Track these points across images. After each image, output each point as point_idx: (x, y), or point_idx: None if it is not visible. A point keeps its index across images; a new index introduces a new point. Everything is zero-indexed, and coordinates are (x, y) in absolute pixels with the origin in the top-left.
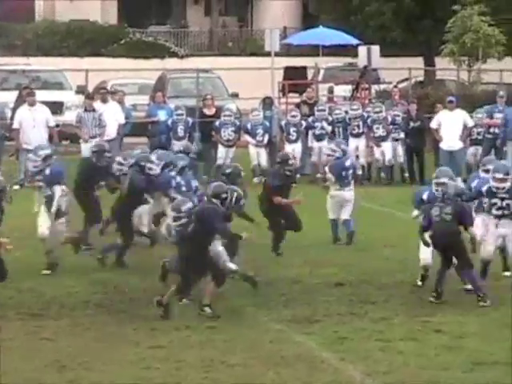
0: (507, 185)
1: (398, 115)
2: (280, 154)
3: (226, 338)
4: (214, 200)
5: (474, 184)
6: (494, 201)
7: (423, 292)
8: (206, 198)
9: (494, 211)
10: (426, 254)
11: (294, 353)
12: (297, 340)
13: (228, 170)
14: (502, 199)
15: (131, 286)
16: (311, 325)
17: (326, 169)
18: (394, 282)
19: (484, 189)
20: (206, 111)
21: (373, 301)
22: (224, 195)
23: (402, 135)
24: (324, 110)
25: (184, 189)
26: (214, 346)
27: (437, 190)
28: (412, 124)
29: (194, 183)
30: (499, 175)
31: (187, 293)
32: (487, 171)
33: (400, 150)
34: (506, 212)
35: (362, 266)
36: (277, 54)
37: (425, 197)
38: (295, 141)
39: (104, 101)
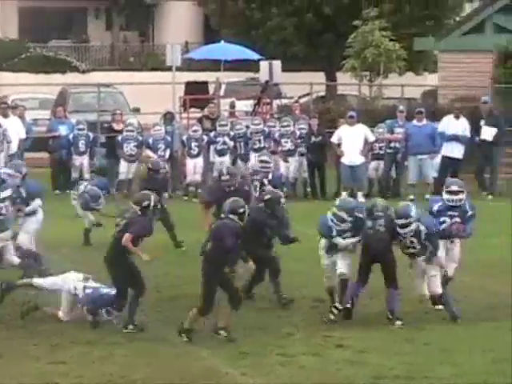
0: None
1: (304, 129)
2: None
3: (127, 353)
4: (231, 216)
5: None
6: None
7: (324, 307)
8: (223, 215)
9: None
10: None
11: (196, 368)
12: (200, 355)
13: (267, 196)
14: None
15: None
16: (214, 340)
17: (266, 181)
18: (298, 297)
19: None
20: (115, 126)
21: (277, 315)
22: (241, 210)
23: (305, 150)
24: (226, 125)
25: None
26: (115, 361)
27: (448, 200)
28: (313, 139)
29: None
30: (454, 187)
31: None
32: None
33: (305, 164)
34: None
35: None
36: (178, 69)
37: (436, 208)
38: (197, 155)
39: (5, 115)
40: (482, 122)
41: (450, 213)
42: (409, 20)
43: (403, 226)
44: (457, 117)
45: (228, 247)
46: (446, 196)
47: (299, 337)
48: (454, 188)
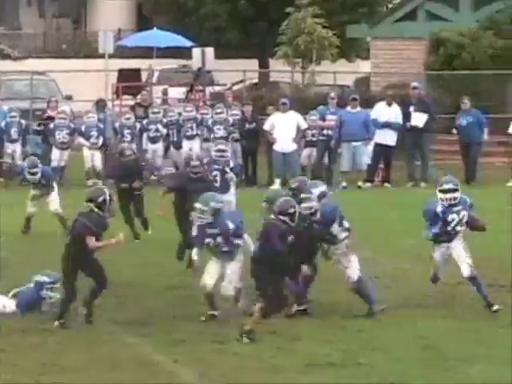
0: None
1: (237, 115)
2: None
3: (59, 340)
4: (281, 217)
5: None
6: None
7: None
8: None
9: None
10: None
11: (128, 355)
12: (131, 342)
13: (294, 185)
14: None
15: None
16: (146, 327)
17: (227, 169)
18: None
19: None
20: (50, 113)
21: None
22: (291, 210)
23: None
24: (158, 113)
25: None
26: (48, 348)
27: (442, 200)
28: (247, 126)
29: None
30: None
31: None
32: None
33: (239, 151)
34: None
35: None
36: (111, 56)
37: (439, 209)
38: (129, 143)
39: None
40: (412, 108)
41: (454, 209)
42: (341, 7)
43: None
44: (389, 104)
45: (274, 249)
46: (439, 195)
47: (234, 323)
48: (447, 186)
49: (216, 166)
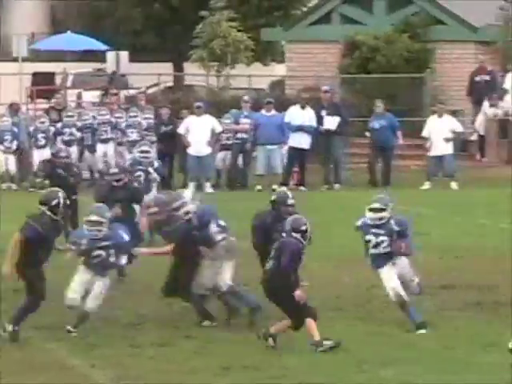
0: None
1: (150, 119)
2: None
3: None
4: (294, 234)
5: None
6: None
7: (174, 300)
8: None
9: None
10: None
11: (43, 360)
12: (46, 347)
13: (273, 197)
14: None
15: None
16: (60, 332)
17: (151, 170)
18: (147, 288)
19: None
20: None
21: (126, 306)
22: (304, 227)
23: (154, 138)
24: (72, 116)
25: None
26: None
27: (369, 218)
28: (163, 128)
29: None
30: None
31: None
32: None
33: (154, 153)
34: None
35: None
36: (25, 60)
37: (358, 223)
38: (44, 147)
39: None
40: (324, 112)
41: (373, 230)
42: (256, 11)
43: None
44: (303, 107)
45: (284, 265)
46: (367, 213)
47: (147, 327)
48: (375, 206)
49: (140, 167)
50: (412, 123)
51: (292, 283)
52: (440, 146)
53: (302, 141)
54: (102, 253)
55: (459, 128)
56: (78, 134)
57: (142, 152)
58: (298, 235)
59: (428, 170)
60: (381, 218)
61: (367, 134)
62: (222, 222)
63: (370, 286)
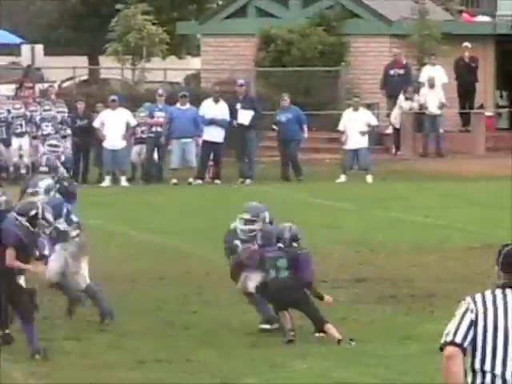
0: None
1: (63, 112)
2: None
3: None
4: (293, 244)
5: None
6: None
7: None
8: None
9: None
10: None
11: None
12: None
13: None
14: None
15: None
16: None
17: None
18: None
19: None
20: None
21: (39, 300)
22: (300, 235)
23: (69, 132)
24: None
25: None
26: None
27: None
28: (78, 122)
29: None
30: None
31: None
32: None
33: (69, 147)
34: None
35: None
36: None
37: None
38: None
39: None
40: (239, 106)
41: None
42: (171, 4)
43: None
44: (216, 100)
45: (309, 278)
46: (238, 222)
47: (60, 322)
48: (246, 216)
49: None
50: (327, 116)
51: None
52: (355, 140)
53: (215, 134)
54: None
55: (374, 121)
56: None
57: (51, 146)
58: (296, 243)
59: (343, 164)
60: (251, 231)
61: (274, 127)
62: (75, 218)
63: None
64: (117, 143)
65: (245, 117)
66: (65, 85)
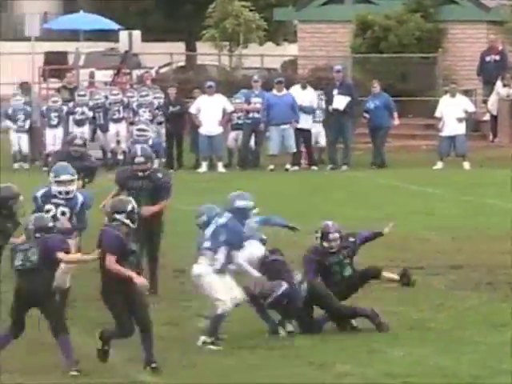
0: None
1: (159, 98)
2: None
3: None
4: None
5: None
6: None
7: (184, 277)
8: None
9: None
10: None
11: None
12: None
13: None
14: None
15: None
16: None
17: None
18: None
19: None
20: None
21: None
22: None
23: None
24: (84, 95)
25: None
26: None
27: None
28: (171, 108)
29: None
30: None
31: None
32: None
33: (163, 134)
34: None
35: None
36: (37, 39)
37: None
38: (56, 126)
39: None
40: (335, 92)
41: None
42: None
43: None
44: (303, 87)
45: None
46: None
47: (159, 307)
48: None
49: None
50: (424, 103)
51: None
52: (452, 126)
53: (304, 121)
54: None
55: (472, 108)
56: (90, 114)
57: (139, 130)
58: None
59: (440, 150)
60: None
61: (365, 115)
62: None
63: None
64: (213, 129)
65: (340, 102)
66: (162, 71)
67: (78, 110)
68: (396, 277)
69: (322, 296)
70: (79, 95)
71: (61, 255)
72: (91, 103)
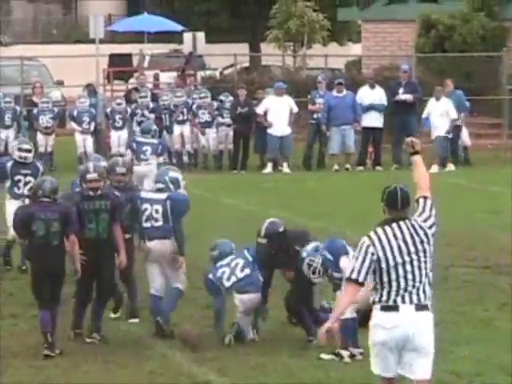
0: None
1: (228, 98)
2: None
3: None
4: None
5: None
6: None
7: None
8: None
9: None
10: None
11: (122, 339)
12: (122, 328)
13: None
14: None
15: None
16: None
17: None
18: None
19: None
20: (35, 99)
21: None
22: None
23: (221, 120)
24: (146, 97)
25: None
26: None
27: None
28: (240, 110)
29: None
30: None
31: None
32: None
33: (231, 135)
34: None
35: None
36: (101, 41)
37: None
38: (121, 128)
39: None
40: (401, 91)
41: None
42: None
43: None
44: (372, 86)
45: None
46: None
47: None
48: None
49: None
50: (488, 102)
51: None
52: None
53: (374, 120)
54: None
55: None
56: (151, 116)
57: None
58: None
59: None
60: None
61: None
62: None
63: (449, 266)
64: (283, 129)
65: (408, 97)
66: (226, 72)
67: (139, 111)
68: None
69: None
70: (141, 97)
71: None
72: (151, 105)
